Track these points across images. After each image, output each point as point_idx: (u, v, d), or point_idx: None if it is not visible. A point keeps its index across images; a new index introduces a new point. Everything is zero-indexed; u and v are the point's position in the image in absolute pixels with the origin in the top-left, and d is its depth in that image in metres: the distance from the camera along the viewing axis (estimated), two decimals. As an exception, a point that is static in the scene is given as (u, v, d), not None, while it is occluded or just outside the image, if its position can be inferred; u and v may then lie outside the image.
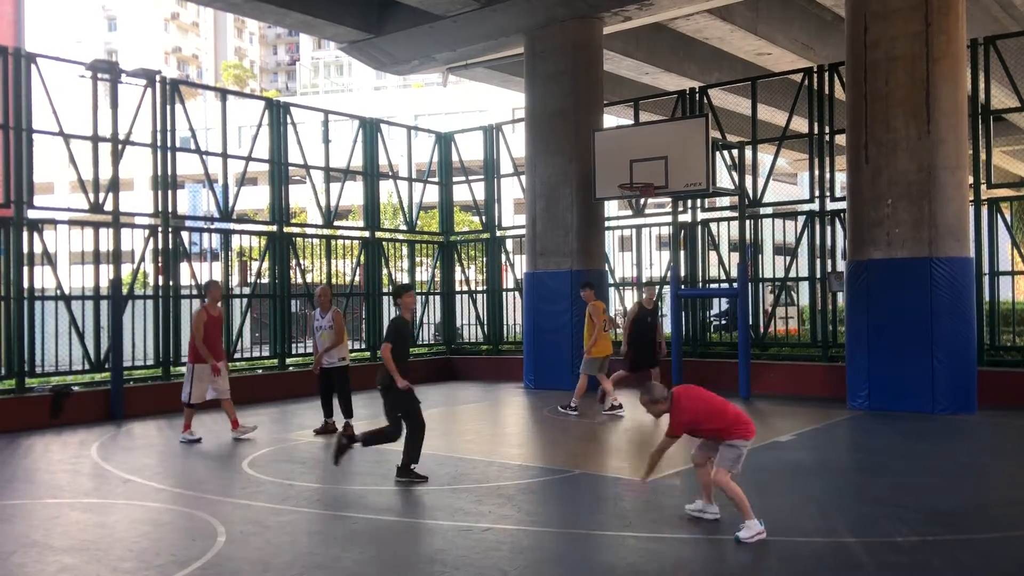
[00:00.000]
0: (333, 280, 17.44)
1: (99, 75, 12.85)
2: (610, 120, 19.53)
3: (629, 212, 17.90)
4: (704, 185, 13.19)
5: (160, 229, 13.86)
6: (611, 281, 16.91)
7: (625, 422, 11.91)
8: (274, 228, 15.84)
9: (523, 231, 17.14)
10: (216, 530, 6.34)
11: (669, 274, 15.19)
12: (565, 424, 11.41)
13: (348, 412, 10.67)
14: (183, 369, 14.19)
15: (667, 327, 14.96)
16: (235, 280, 17.17)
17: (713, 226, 16.10)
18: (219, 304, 11.10)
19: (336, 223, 17.66)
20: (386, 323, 17.68)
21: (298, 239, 16.71)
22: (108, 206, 13.09)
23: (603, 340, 12.32)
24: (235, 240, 16.07)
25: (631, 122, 17.81)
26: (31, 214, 12.56)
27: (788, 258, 15.30)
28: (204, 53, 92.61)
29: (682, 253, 15.73)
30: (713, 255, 15.95)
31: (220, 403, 10.88)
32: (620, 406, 12.09)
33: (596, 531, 6.34)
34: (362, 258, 17.45)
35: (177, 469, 8.88)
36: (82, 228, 13.04)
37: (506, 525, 6.49)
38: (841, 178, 15.18)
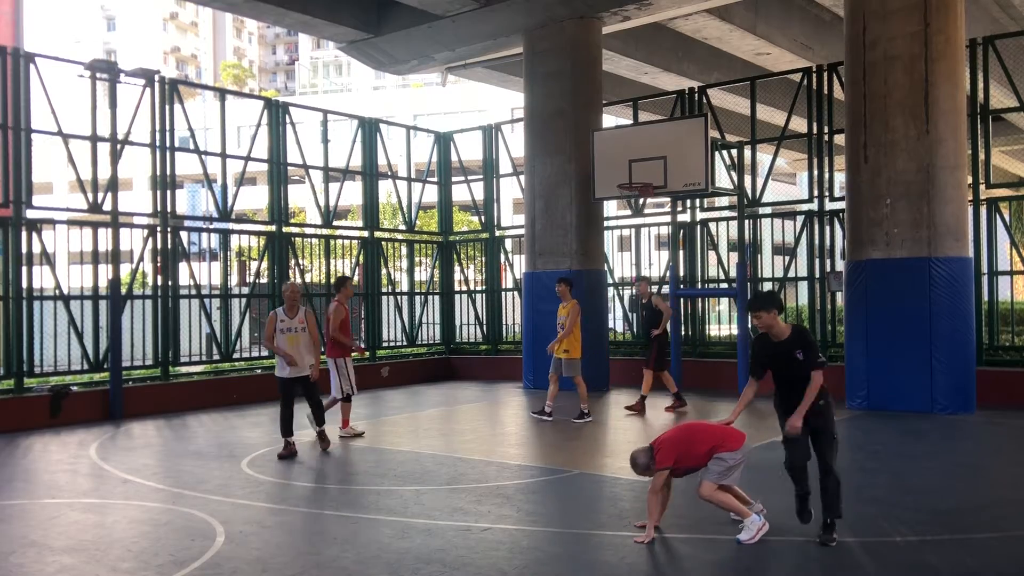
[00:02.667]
0: (332, 280, 17.41)
1: (98, 75, 12.84)
2: (609, 120, 19.54)
3: (628, 212, 17.91)
4: (703, 185, 13.19)
5: (159, 229, 13.85)
6: (610, 281, 16.90)
7: (626, 422, 11.91)
8: (273, 228, 15.84)
9: (522, 231, 17.14)
10: (215, 530, 6.34)
11: (668, 274, 15.19)
12: (565, 424, 11.40)
13: (320, 420, 9.84)
14: (182, 369, 14.26)
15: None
16: (234, 280, 17.16)
17: (712, 226, 16.11)
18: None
19: (335, 223, 17.65)
20: (386, 322, 17.77)
21: (297, 239, 16.70)
22: (107, 206, 13.08)
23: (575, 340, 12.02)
24: (234, 240, 16.07)
25: (630, 122, 17.82)
26: (30, 214, 12.55)
27: (787, 258, 15.31)
28: (203, 53, 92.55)
29: (681, 253, 15.74)
30: (712, 255, 15.96)
31: (332, 402, 10.75)
32: (550, 414, 11.87)
33: (596, 531, 6.33)
34: (361, 258, 17.45)
35: (176, 469, 8.87)
36: (81, 228, 13.03)
37: (506, 525, 6.48)
38: (840, 178, 15.18)
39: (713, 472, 5.95)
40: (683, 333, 15.40)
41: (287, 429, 9.47)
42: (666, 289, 15.83)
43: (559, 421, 11.59)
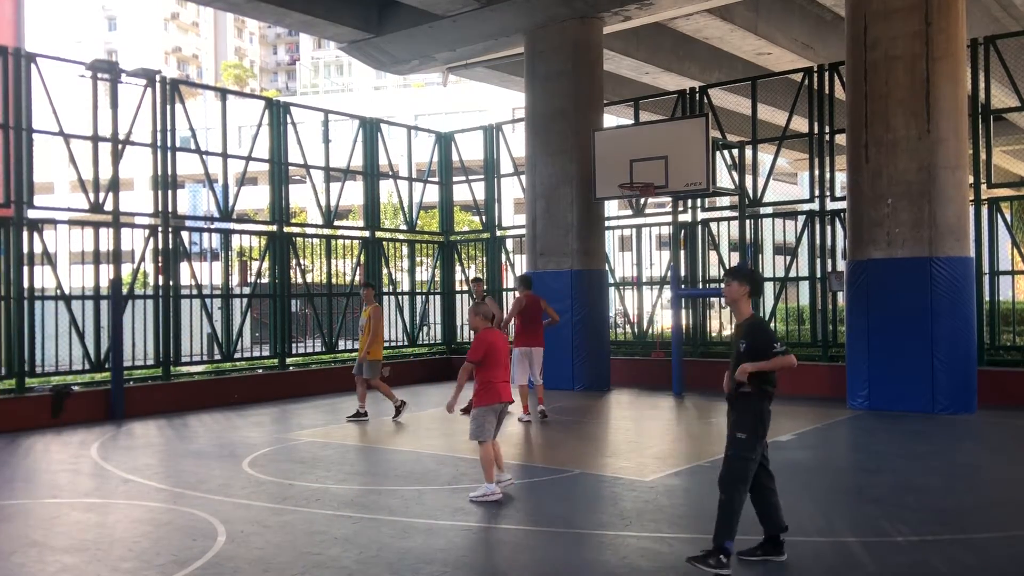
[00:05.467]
0: (333, 280, 17.44)
1: (99, 75, 12.85)
2: (610, 120, 19.54)
3: (629, 212, 17.90)
4: (704, 185, 13.19)
5: (160, 229, 13.85)
6: (611, 281, 16.90)
7: (626, 423, 11.91)
8: (274, 228, 15.84)
9: (523, 231, 17.14)
10: (216, 530, 6.34)
11: (669, 274, 15.19)
12: (565, 424, 11.40)
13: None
14: (183, 369, 14.26)
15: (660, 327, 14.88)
16: (235, 280, 17.18)
17: (713, 226, 16.11)
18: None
19: (336, 223, 17.66)
20: (387, 322, 17.76)
21: (298, 239, 16.71)
22: (108, 206, 13.09)
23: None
24: (235, 240, 16.08)
25: (631, 122, 17.82)
26: (31, 214, 12.56)
27: (788, 258, 15.30)
28: (204, 53, 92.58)
29: (682, 253, 15.73)
30: (713, 255, 15.95)
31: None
32: (365, 414, 11.89)
33: (596, 531, 6.34)
34: (362, 258, 17.45)
35: (177, 469, 8.88)
36: (82, 228, 13.04)
37: (506, 525, 6.49)
38: (841, 178, 15.19)
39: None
40: (684, 333, 15.40)
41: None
42: (666, 289, 15.84)
43: (560, 421, 11.59)
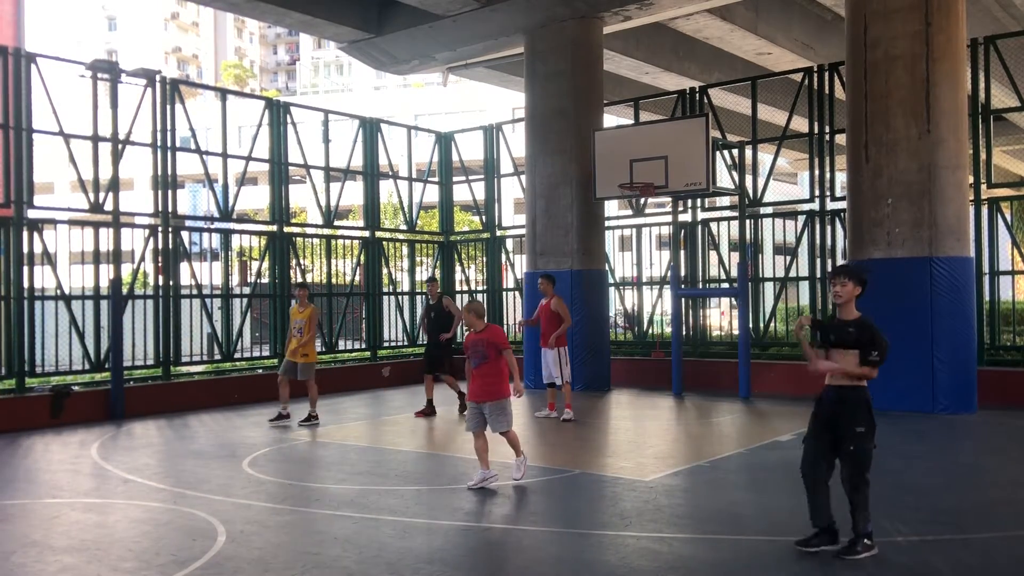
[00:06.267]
0: (333, 280, 17.43)
1: (99, 75, 12.85)
2: (610, 120, 19.53)
3: (629, 212, 17.90)
4: (704, 185, 13.20)
5: (160, 229, 13.86)
6: (611, 281, 16.90)
7: (626, 423, 11.90)
8: (274, 228, 15.84)
9: (523, 231, 17.14)
10: (216, 530, 6.34)
11: (669, 274, 15.20)
12: (565, 424, 11.39)
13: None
14: (183, 369, 14.26)
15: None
16: (235, 280, 17.18)
17: (713, 226, 16.11)
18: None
19: (336, 223, 17.66)
20: (387, 322, 17.78)
21: (298, 239, 16.70)
22: (108, 206, 13.09)
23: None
24: (235, 240, 16.08)
25: (631, 122, 17.82)
26: (31, 214, 12.56)
27: (788, 258, 15.30)
28: (204, 53, 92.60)
29: (682, 253, 15.74)
30: (713, 255, 15.95)
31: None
32: (287, 416, 11.66)
33: (596, 531, 6.34)
34: (362, 258, 17.45)
35: (177, 469, 8.88)
36: (82, 228, 13.04)
37: (506, 525, 6.49)
38: (841, 178, 15.19)
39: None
40: (684, 333, 15.41)
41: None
42: (667, 289, 15.85)
43: (560, 421, 11.58)
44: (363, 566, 5.49)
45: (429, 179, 19.13)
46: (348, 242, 17.80)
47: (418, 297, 18.66)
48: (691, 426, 11.50)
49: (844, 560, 5.42)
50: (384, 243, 17.93)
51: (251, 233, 16.70)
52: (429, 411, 12.30)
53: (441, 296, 12.53)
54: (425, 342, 12.97)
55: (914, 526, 6.17)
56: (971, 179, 12.90)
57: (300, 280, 13.87)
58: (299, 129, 15.97)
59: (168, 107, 13.93)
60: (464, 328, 8.83)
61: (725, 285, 16.02)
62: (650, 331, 16.76)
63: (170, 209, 13.95)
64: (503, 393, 7.61)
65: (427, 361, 12.53)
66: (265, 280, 15.64)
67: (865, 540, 5.48)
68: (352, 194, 18.51)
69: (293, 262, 15.86)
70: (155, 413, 12.94)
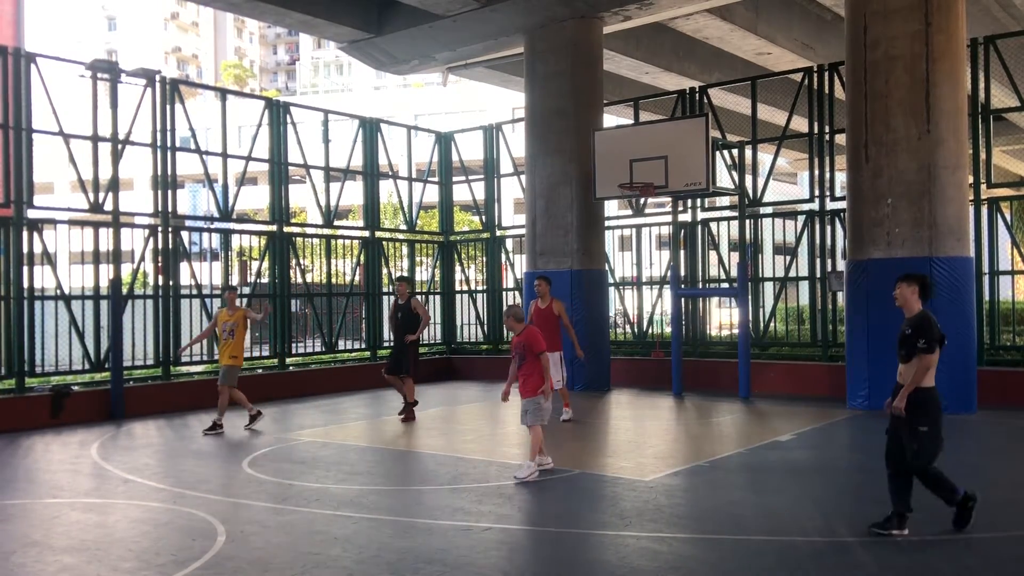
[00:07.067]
0: (333, 280, 17.43)
1: (99, 75, 12.85)
2: (610, 120, 19.54)
3: (629, 212, 17.90)
4: (704, 185, 13.20)
5: (160, 229, 13.86)
6: (611, 281, 16.90)
7: (626, 423, 11.90)
8: (274, 228, 15.84)
9: (523, 231, 17.14)
10: (216, 530, 6.34)
11: (669, 274, 15.20)
12: (564, 424, 11.40)
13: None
14: (183, 369, 14.26)
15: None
16: (235, 280, 17.17)
17: (713, 226, 16.10)
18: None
19: (336, 223, 17.66)
20: (386, 322, 17.76)
21: (298, 239, 16.71)
22: (108, 206, 13.09)
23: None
24: (235, 240, 16.08)
25: (631, 122, 17.81)
26: (31, 214, 12.56)
27: (788, 258, 15.30)
28: (204, 53, 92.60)
29: (682, 253, 15.74)
30: (713, 255, 15.95)
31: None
32: (222, 427, 11.10)
33: (596, 531, 6.34)
34: (362, 258, 17.45)
35: (177, 469, 8.88)
36: (82, 228, 13.04)
37: (506, 525, 6.49)
38: (841, 178, 15.18)
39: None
40: (684, 333, 15.41)
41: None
42: (667, 289, 15.85)
43: (560, 421, 11.59)
44: (363, 566, 5.49)
45: (429, 179, 19.13)
46: (348, 242, 17.80)
47: (418, 297, 18.63)
48: (691, 426, 11.50)
49: (872, 532, 5.86)
50: (384, 243, 17.93)
51: (251, 233, 16.71)
52: (410, 414, 11.89)
53: (410, 297, 12.16)
54: (392, 342, 12.50)
55: (914, 526, 6.16)
56: (971, 179, 12.90)
57: (228, 283, 13.61)
58: (299, 129, 15.98)
59: (168, 107, 13.93)
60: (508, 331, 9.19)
61: (725, 285, 16.02)
62: (650, 331, 16.75)
63: (170, 209, 13.95)
64: (535, 392, 8.06)
65: (391, 362, 12.18)
66: (265, 280, 15.64)
67: (968, 503, 5.99)
68: (352, 194, 18.52)
69: (293, 262, 15.86)
70: (155, 413, 12.94)
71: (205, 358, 14.67)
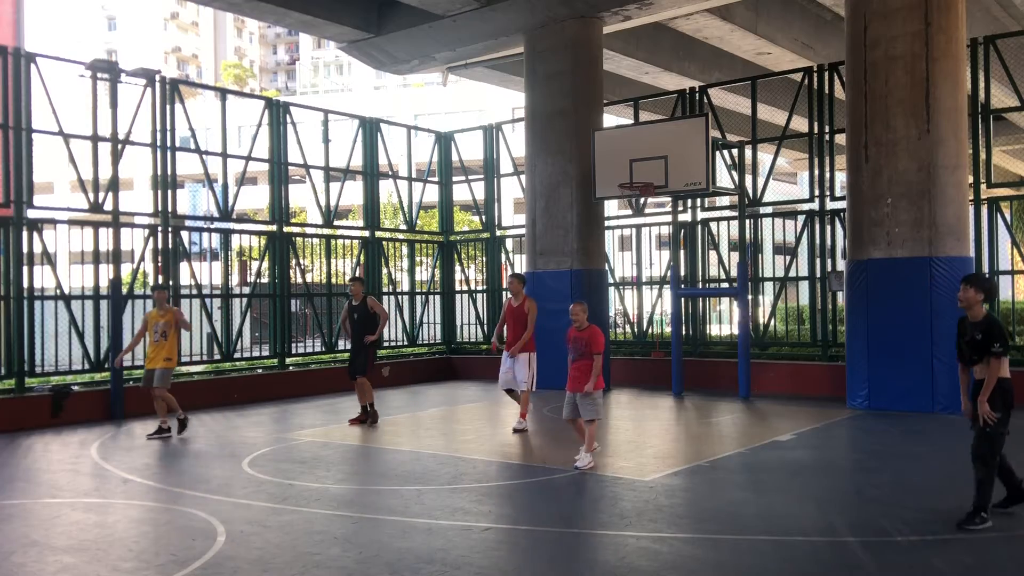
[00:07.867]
0: (333, 280, 17.42)
1: (99, 75, 12.85)
2: (610, 120, 19.54)
3: (629, 212, 17.90)
4: (704, 184, 13.20)
5: (160, 229, 13.86)
6: (611, 281, 16.90)
7: (626, 423, 11.90)
8: (274, 228, 15.85)
9: (523, 231, 17.14)
10: (216, 530, 6.34)
11: (669, 274, 15.19)
12: (565, 424, 11.37)
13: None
14: (183, 369, 14.24)
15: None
16: (235, 280, 17.17)
17: (713, 226, 16.10)
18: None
19: (336, 223, 17.66)
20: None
21: (298, 239, 16.71)
22: (108, 206, 13.09)
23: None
24: (235, 240, 16.08)
25: (631, 122, 17.81)
26: (31, 214, 12.56)
27: (788, 258, 15.31)
28: (204, 53, 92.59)
29: (682, 253, 15.74)
30: (713, 255, 15.95)
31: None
32: (168, 430, 10.85)
33: (596, 531, 6.33)
34: (362, 258, 17.45)
35: (177, 469, 8.88)
36: (82, 228, 13.04)
37: (507, 525, 6.49)
38: (841, 177, 15.18)
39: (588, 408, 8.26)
40: (684, 333, 15.41)
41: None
42: (667, 289, 15.84)
43: (560, 421, 11.58)
44: (363, 566, 5.49)
45: (429, 179, 19.13)
46: (348, 242, 17.80)
47: (418, 297, 18.67)
48: (691, 426, 11.50)
49: (963, 529, 6.03)
50: (384, 243, 17.93)
51: (251, 233, 16.71)
52: (364, 418, 11.58)
53: (365, 297, 11.73)
54: (349, 345, 12.06)
55: (914, 526, 6.16)
56: (971, 179, 12.90)
57: (160, 282, 13.35)
58: (299, 129, 15.97)
59: (168, 107, 13.93)
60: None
61: (725, 285, 16.02)
62: (650, 331, 16.75)
63: (170, 209, 13.94)
64: (582, 387, 8.35)
65: (351, 365, 11.77)
66: (265, 280, 15.64)
67: (983, 514, 6.11)
68: (352, 194, 18.52)
69: (293, 262, 15.86)
70: (155, 413, 12.89)
71: (205, 358, 14.66)
